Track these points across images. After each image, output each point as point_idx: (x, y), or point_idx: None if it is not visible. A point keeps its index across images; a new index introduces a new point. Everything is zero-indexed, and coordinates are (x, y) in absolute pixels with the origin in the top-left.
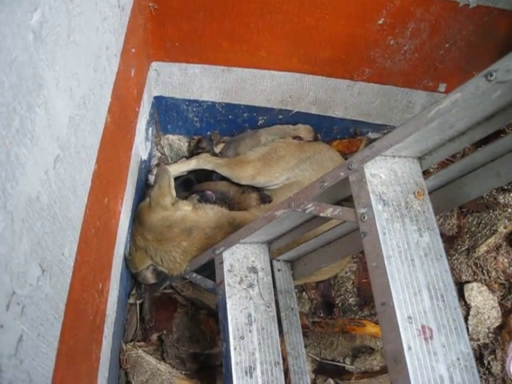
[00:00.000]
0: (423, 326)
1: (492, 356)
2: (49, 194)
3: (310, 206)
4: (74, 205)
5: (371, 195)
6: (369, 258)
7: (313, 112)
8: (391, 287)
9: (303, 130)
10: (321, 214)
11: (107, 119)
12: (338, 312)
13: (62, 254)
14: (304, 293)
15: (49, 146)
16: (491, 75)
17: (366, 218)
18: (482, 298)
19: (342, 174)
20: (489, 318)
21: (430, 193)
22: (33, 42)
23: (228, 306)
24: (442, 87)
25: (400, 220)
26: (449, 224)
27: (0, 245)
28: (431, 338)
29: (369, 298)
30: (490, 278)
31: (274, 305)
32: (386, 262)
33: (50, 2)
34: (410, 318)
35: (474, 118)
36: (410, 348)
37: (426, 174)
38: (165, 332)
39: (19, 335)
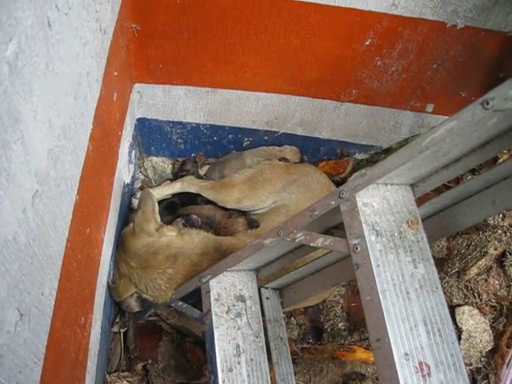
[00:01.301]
0: (420, 363)
1: (485, 381)
2: (27, 233)
3: (299, 235)
4: (54, 240)
5: (364, 225)
6: (362, 291)
7: (299, 133)
8: (386, 322)
9: (289, 152)
10: (311, 244)
11: (89, 147)
12: (328, 337)
13: (42, 294)
14: (292, 318)
15: (26, 182)
16: (488, 103)
17: (359, 249)
18: (473, 322)
19: (333, 202)
20: (481, 341)
21: (422, 220)
22: (8, 75)
23: (215, 337)
24: (430, 108)
25: (394, 251)
26: (438, 246)
27: None
28: (429, 375)
29: (358, 322)
30: (481, 300)
31: (262, 335)
32: (380, 295)
33: (27, 30)
34: (406, 354)
35: (469, 145)
36: None
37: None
38: (150, 361)
39: None
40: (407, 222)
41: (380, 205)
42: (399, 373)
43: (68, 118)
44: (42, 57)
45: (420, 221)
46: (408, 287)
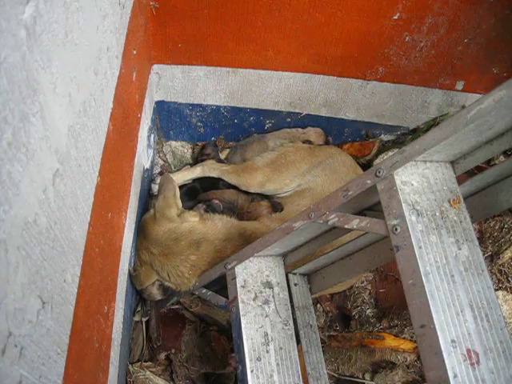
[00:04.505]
0: (468, 350)
1: None
2: (48, 215)
3: (332, 217)
4: (76, 224)
5: (403, 205)
6: (404, 274)
7: (323, 114)
8: (431, 307)
9: (313, 134)
10: (345, 226)
11: (109, 127)
12: (355, 324)
13: (64, 281)
14: (318, 305)
15: (47, 160)
16: None
17: (399, 230)
18: (508, 307)
19: (369, 181)
20: None
21: (463, 199)
22: (26, 40)
23: (243, 325)
24: (460, 85)
25: (436, 232)
26: None
27: None
28: (478, 363)
29: (387, 308)
30: None
31: (291, 322)
32: (423, 279)
33: None
34: (453, 341)
35: None
36: (455, 375)
37: None
38: (173, 351)
39: (18, 381)
40: (449, 201)
41: (419, 183)
42: (446, 361)
43: (88, 94)
44: (61, 24)
45: (462, 200)
46: (452, 270)
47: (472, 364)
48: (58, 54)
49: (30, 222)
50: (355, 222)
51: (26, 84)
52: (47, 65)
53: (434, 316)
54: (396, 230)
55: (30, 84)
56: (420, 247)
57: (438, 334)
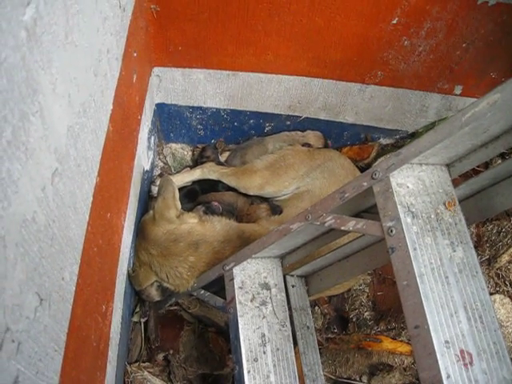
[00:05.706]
0: (462, 351)
1: None
2: (46, 214)
3: (329, 218)
4: (74, 223)
5: (399, 207)
6: (399, 276)
7: (322, 118)
8: (425, 308)
9: (312, 137)
10: (342, 228)
11: (109, 128)
12: (353, 327)
13: (62, 279)
14: (316, 307)
15: (46, 159)
16: None
17: (394, 231)
18: (505, 311)
19: (365, 183)
20: None
21: (459, 202)
22: (26, 40)
23: (240, 326)
24: (458, 90)
25: (431, 234)
26: None
27: None
28: (471, 363)
29: (385, 311)
30: None
31: (288, 323)
32: (418, 280)
33: None
34: (447, 342)
35: (510, 121)
36: (448, 376)
37: None
38: (171, 352)
39: (15, 376)
40: (444, 204)
41: (415, 185)
42: (440, 361)
43: (88, 95)
44: (61, 26)
45: (457, 202)
46: (447, 271)
47: (465, 365)
48: (58, 55)
49: (28, 219)
50: (351, 224)
51: (25, 84)
52: (47, 65)
53: (427, 317)
54: (391, 231)
55: (30, 84)
56: (415, 249)
57: (432, 334)
